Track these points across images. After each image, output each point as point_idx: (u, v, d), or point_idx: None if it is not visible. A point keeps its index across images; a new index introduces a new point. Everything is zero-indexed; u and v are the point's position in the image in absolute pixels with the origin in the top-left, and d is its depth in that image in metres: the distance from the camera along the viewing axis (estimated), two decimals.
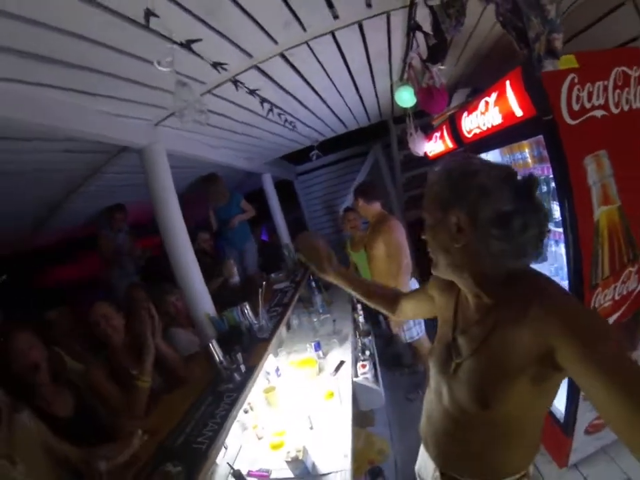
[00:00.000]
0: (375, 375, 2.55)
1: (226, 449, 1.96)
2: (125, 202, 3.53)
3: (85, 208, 3.29)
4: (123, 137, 1.91)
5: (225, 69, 1.66)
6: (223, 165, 3.33)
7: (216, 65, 1.35)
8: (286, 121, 2.61)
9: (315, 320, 3.40)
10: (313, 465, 1.74)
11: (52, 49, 1.17)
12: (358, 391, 2.40)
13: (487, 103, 1.90)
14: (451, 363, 0.94)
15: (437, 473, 1.04)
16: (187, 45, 1.16)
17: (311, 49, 1.79)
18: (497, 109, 1.84)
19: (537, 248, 0.81)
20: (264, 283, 2.51)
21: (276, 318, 2.57)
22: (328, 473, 1.68)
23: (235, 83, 1.63)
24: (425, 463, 1.13)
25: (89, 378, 1.84)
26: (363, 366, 2.50)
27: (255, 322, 2.33)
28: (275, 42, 1.64)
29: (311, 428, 1.99)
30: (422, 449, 1.16)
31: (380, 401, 2.45)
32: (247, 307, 2.34)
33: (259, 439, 2.05)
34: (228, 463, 1.73)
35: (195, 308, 2.23)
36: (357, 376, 2.46)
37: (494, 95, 1.82)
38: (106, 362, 1.93)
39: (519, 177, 0.81)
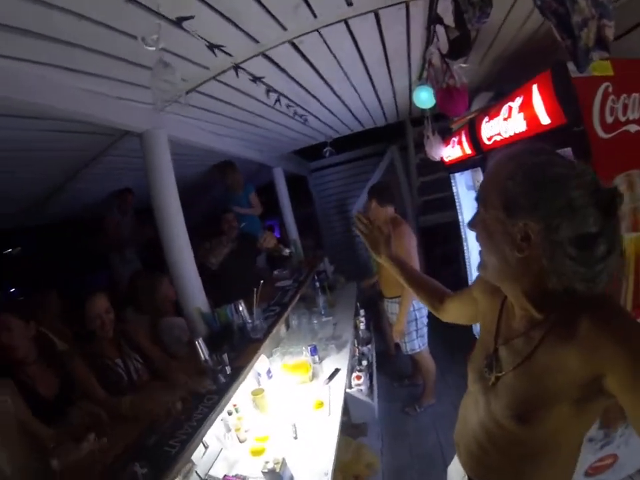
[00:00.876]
0: (370, 387, 2.44)
1: (206, 447, 1.88)
2: (131, 186, 3.49)
3: (88, 191, 3.25)
4: (121, 121, 1.84)
5: (228, 53, 1.58)
6: (230, 154, 3.24)
7: (212, 47, 1.25)
8: (295, 113, 2.51)
9: (315, 322, 3.28)
10: (291, 479, 1.64)
11: (40, 24, 1.08)
12: (350, 403, 2.29)
13: (510, 108, 1.75)
14: (490, 374, 0.88)
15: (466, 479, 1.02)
16: (178, 23, 1.07)
17: (322, 37, 1.67)
18: (521, 115, 1.69)
19: (610, 275, 0.70)
20: (261, 281, 2.40)
21: (272, 318, 2.45)
22: None
23: (236, 69, 1.52)
24: (455, 466, 1.10)
25: (69, 363, 1.79)
26: (358, 377, 2.39)
27: (249, 321, 2.23)
28: (284, 28, 1.53)
29: (295, 437, 1.88)
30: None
31: (372, 414, 2.34)
32: (242, 304, 2.23)
33: (241, 441, 1.96)
34: (196, 472, 1.65)
35: (186, 301, 2.15)
36: (350, 387, 2.35)
37: (519, 100, 1.66)
38: (88, 350, 1.87)
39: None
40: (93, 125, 1.76)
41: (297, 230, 4.83)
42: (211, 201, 4.35)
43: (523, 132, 1.73)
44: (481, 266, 0.84)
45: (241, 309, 2.22)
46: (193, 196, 4.65)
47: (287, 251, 3.23)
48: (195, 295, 2.17)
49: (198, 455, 1.81)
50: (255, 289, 2.29)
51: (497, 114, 1.89)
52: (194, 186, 4.47)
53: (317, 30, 1.60)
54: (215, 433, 1.88)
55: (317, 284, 3.67)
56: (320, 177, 6.05)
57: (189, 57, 1.57)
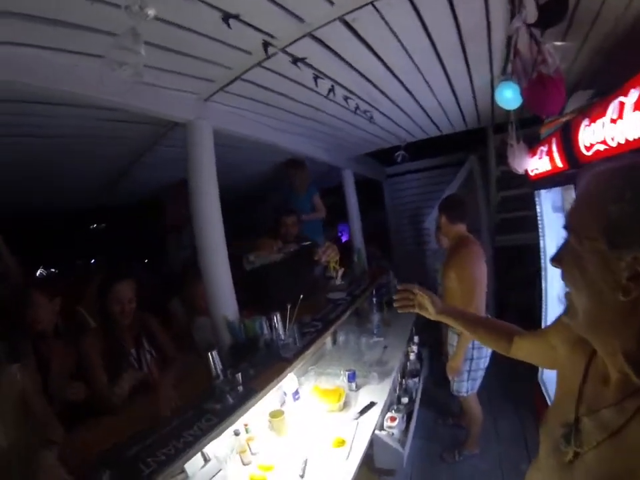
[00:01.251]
0: (405, 430, 2.09)
1: (207, 460, 1.73)
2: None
3: (149, 178, 3.35)
4: (164, 110, 1.79)
5: (271, 34, 1.41)
6: (293, 152, 3.13)
7: (227, 18, 1.07)
8: (357, 107, 2.28)
9: (364, 341, 2.99)
10: None
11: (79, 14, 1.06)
12: (376, 446, 1.98)
13: (621, 105, 1.29)
14: (568, 448, 0.70)
15: None
16: None
17: (379, 12, 1.41)
18: (637, 115, 1.24)
19: None
20: (300, 297, 2.15)
21: (311, 335, 2.19)
22: None
23: (266, 46, 1.32)
24: None
25: (83, 340, 1.85)
26: (392, 419, 2.07)
27: (282, 338, 2.01)
28: (330, 2, 1.31)
29: (302, 476, 1.65)
30: None
31: (399, 462, 2.00)
32: (277, 316, 2.02)
33: (244, 464, 1.77)
34: None
35: (215, 306, 2.01)
36: (381, 428, 2.03)
37: (634, 94, 1.22)
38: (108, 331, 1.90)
39: None
40: (137, 115, 1.75)
41: (364, 238, 4.54)
42: (274, 202, 4.29)
43: (638, 139, 1.27)
44: (569, 312, 0.69)
45: (275, 321, 2.02)
46: (257, 196, 4.64)
47: (339, 282, 2.96)
48: (226, 301, 2.02)
49: (197, 465, 1.67)
50: (290, 305, 2.07)
51: (602, 114, 1.42)
52: (259, 184, 4.45)
53: (370, 3, 1.33)
54: (215, 450, 1.73)
55: (374, 300, 3.34)
56: (395, 183, 5.74)
57: (228, 41, 1.43)
